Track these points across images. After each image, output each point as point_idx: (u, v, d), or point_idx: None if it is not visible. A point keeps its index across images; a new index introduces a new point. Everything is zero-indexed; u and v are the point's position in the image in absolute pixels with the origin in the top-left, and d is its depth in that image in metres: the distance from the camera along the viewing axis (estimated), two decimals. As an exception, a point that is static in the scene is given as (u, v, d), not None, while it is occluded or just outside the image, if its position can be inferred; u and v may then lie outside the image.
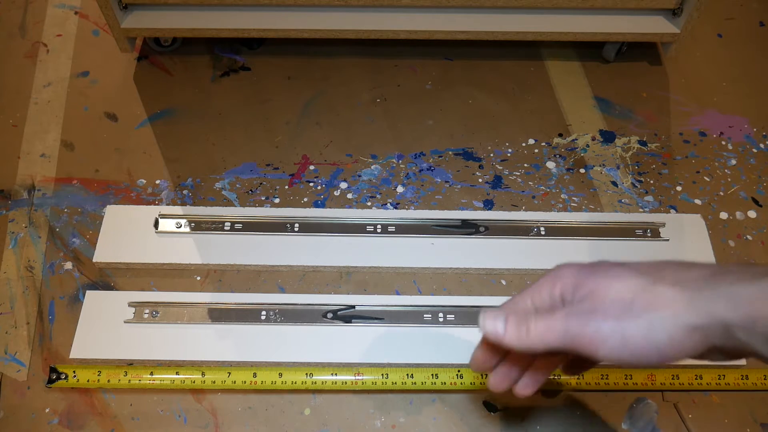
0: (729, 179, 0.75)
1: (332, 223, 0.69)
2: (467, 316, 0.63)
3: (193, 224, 0.68)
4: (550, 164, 0.76)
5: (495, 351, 0.42)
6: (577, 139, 0.79)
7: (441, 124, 0.80)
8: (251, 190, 0.73)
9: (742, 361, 0.61)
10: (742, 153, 0.78)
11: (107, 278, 0.67)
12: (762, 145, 0.78)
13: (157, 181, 0.74)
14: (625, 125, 0.80)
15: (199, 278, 0.67)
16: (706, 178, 0.75)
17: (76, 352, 0.61)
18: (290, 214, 0.70)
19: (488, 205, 0.73)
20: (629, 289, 0.34)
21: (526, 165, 0.76)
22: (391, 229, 0.69)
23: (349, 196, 0.73)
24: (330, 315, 0.63)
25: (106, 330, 0.62)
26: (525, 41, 0.85)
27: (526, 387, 0.43)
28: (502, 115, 0.81)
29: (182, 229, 0.68)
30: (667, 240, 0.68)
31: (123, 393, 0.60)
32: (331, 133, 0.79)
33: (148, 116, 0.80)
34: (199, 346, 0.61)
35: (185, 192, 0.73)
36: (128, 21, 0.77)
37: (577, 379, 0.60)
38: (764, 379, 0.60)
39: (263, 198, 0.73)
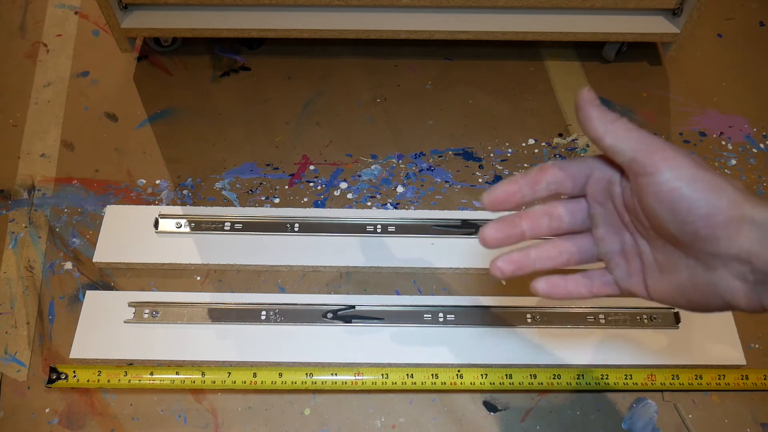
0: (729, 179, 0.75)
1: (332, 223, 0.69)
2: (467, 316, 0.63)
3: (193, 224, 0.68)
4: (550, 164, 0.76)
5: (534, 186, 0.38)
6: (577, 139, 0.79)
7: (441, 124, 0.80)
8: (251, 190, 0.73)
9: (743, 361, 0.61)
10: (742, 153, 0.78)
11: (107, 278, 0.67)
12: (762, 145, 0.78)
13: (157, 181, 0.74)
14: (625, 125, 0.80)
15: (199, 278, 0.67)
16: (706, 178, 0.75)
17: (76, 352, 0.61)
18: (290, 214, 0.70)
19: (488, 205, 0.73)
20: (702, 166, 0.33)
21: (526, 165, 0.76)
22: (391, 229, 0.69)
23: (349, 196, 0.73)
24: (330, 315, 0.63)
25: (106, 330, 0.62)
26: (525, 41, 0.85)
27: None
28: (502, 115, 0.81)
29: (182, 229, 0.68)
30: (667, 240, 0.68)
31: (123, 393, 0.60)
32: (331, 133, 0.79)
33: (148, 116, 0.80)
34: (199, 346, 0.61)
35: (185, 192, 0.73)
36: (128, 21, 0.77)
37: (577, 379, 0.60)
38: (764, 379, 0.60)
39: (263, 198, 0.73)
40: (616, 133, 0.35)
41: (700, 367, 0.61)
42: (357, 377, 0.60)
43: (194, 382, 0.59)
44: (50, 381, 0.59)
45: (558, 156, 0.77)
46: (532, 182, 0.38)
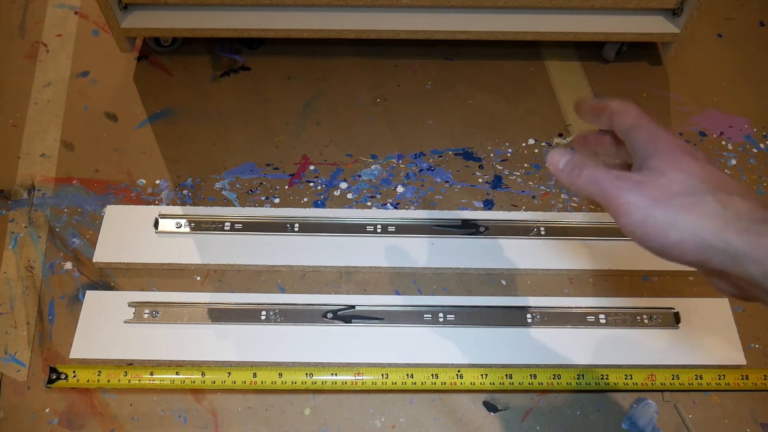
0: (729, 179, 0.75)
1: (332, 223, 0.69)
2: (467, 316, 0.63)
3: (193, 224, 0.68)
4: (550, 164, 0.76)
5: (596, 115, 0.45)
6: (577, 139, 0.78)
7: (441, 124, 0.80)
8: (251, 190, 0.73)
9: (743, 361, 0.61)
10: (742, 153, 0.78)
11: (107, 278, 0.67)
12: (762, 145, 0.78)
13: (157, 181, 0.74)
14: (625, 125, 0.80)
15: (199, 278, 0.67)
16: (706, 178, 0.75)
17: (76, 352, 0.61)
18: (290, 214, 0.70)
19: (488, 205, 0.73)
20: (682, 185, 0.37)
21: (526, 165, 0.76)
22: (391, 229, 0.69)
23: (349, 196, 0.73)
24: (330, 315, 0.63)
25: (106, 330, 0.62)
26: (525, 41, 0.85)
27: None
28: (502, 115, 0.81)
29: (182, 229, 0.68)
30: (667, 240, 0.68)
31: (123, 393, 0.60)
32: (331, 133, 0.79)
33: (148, 116, 0.80)
34: (199, 346, 0.61)
35: (185, 192, 0.73)
36: (128, 21, 0.77)
37: (577, 379, 0.60)
38: (764, 379, 0.60)
39: (263, 198, 0.73)
40: (581, 186, 0.40)
41: (700, 367, 0.61)
42: (357, 377, 0.60)
43: (194, 382, 0.59)
44: (50, 381, 0.59)
45: (558, 156, 0.77)
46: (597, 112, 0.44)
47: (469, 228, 0.69)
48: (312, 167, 0.76)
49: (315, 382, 0.59)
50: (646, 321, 0.63)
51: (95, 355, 0.61)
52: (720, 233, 0.35)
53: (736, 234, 0.34)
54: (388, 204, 0.73)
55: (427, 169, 0.76)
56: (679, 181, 0.37)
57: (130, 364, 0.61)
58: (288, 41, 0.87)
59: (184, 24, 0.78)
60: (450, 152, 0.77)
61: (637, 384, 0.60)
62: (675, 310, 0.63)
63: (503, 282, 0.67)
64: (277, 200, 0.73)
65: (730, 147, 0.78)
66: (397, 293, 0.66)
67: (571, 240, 0.68)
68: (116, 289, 0.66)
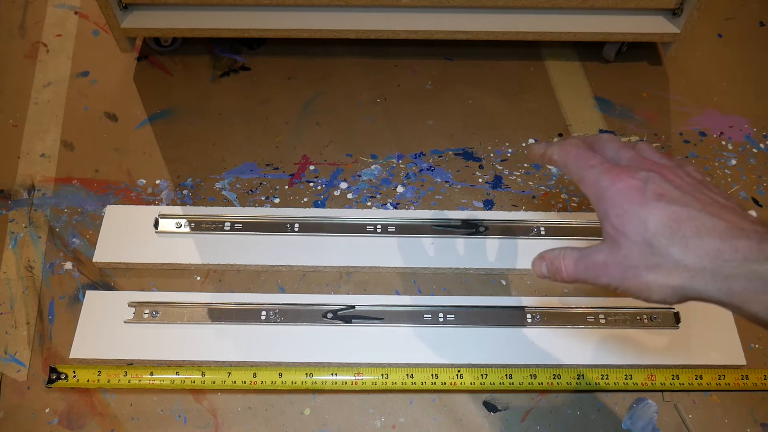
0: (729, 179, 0.75)
1: (332, 223, 0.69)
2: (467, 316, 0.63)
3: (193, 224, 0.68)
4: (550, 164, 0.76)
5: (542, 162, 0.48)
6: (577, 139, 0.78)
7: (441, 124, 0.80)
8: (251, 190, 0.73)
9: (743, 361, 0.61)
10: (742, 153, 0.78)
11: (107, 278, 0.67)
12: (762, 145, 0.78)
13: (157, 181, 0.74)
14: (625, 125, 0.80)
15: (199, 278, 0.67)
16: (706, 178, 0.75)
17: (76, 352, 0.61)
18: (290, 214, 0.70)
19: (488, 205, 0.73)
20: (643, 251, 0.39)
21: (526, 165, 0.76)
22: (391, 229, 0.69)
23: (349, 196, 0.73)
24: (330, 315, 0.63)
25: (106, 330, 0.62)
26: (525, 41, 0.85)
27: None
28: (502, 115, 0.81)
29: (182, 229, 0.68)
30: (667, 240, 0.68)
31: (123, 393, 0.60)
32: (331, 133, 0.79)
33: (148, 116, 0.80)
34: (199, 346, 0.61)
35: (185, 192, 0.73)
36: (128, 21, 0.77)
37: (577, 379, 0.60)
38: (764, 379, 0.60)
39: (263, 198, 0.73)
40: (566, 277, 0.44)
41: (700, 367, 0.61)
42: (357, 377, 0.60)
43: (194, 382, 0.59)
44: (50, 381, 0.59)
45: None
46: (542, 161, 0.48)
47: (469, 228, 0.69)
48: (312, 167, 0.76)
49: (315, 382, 0.59)
50: (646, 321, 0.63)
51: (95, 355, 0.61)
52: (690, 284, 0.38)
53: (704, 283, 0.37)
54: (388, 204, 0.73)
55: (427, 169, 0.76)
56: (635, 247, 0.39)
57: (130, 364, 0.61)
58: (288, 41, 0.87)
59: (184, 24, 0.78)
60: (450, 152, 0.77)
61: (637, 384, 0.60)
62: (675, 310, 0.63)
63: (503, 282, 0.67)
64: (277, 200, 0.73)
65: (730, 147, 0.78)
66: (397, 293, 0.66)
67: (571, 240, 0.68)
68: (116, 289, 0.66)
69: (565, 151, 0.44)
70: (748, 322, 0.62)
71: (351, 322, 0.63)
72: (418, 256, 0.67)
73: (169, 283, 0.66)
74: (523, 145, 0.78)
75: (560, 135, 0.79)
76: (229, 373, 0.60)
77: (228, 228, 0.68)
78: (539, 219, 0.69)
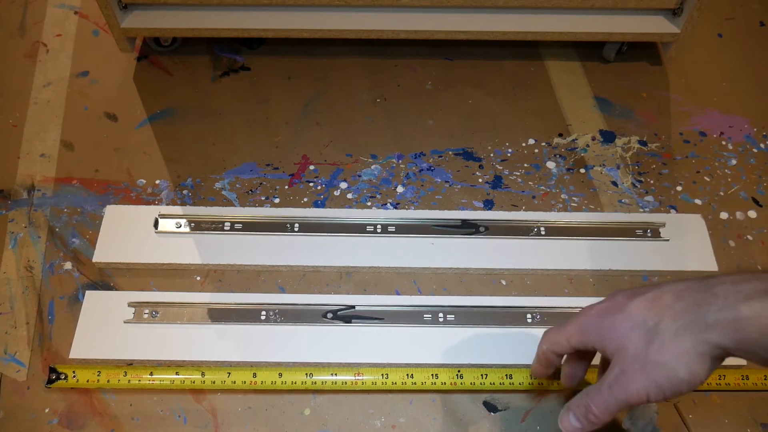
0: (729, 179, 0.75)
1: (332, 223, 0.69)
2: (467, 316, 0.63)
3: (193, 224, 0.68)
4: (550, 164, 0.76)
5: (549, 365, 0.51)
6: (577, 139, 0.79)
7: (441, 124, 0.80)
8: (251, 190, 0.73)
9: (743, 361, 0.61)
10: (742, 153, 0.78)
11: (107, 278, 0.67)
12: (762, 145, 0.78)
13: (157, 181, 0.74)
14: (625, 125, 0.80)
15: (199, 278, 0.67)
16: (706, 178, 0.75)
17: (75, 352, 0.61)
18: (290, 214, 0.70)
19: (488, 205, 0.73)
20: (642, 339, 0.41)
21: (526, 165, 0.76)
22: (391, 229, 0.69)
23: (349, 196, 0.73)
24: (330, 315, 0.63)
25: (105, 330, 0.62)
26: (525, 41, 0.85)
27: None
28: (502, 115, 0.81)
29: (182, 229, 0.68)
30: (668, 240, 0.68)
31: (123, 393, 0.60)
32: (331, 133, 0.79)
33: (148, 116, 0.80)
34: (199, 346, 0.61)
35: (185, 192, 0.73)
36: (128, 21, 0.77)
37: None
38: (764, 379, 0.60)
39: (263, 198, 0.73)
40: (604, 418, 0.45)
41: (700, 367, 0.61)
42: (357, 377, 0.60)
43: (194, 382, 0.59)
44: (50, 381, 0.59)
45: (558, 156, 0.77)
46: (548, 363, 0.51)
47: (469, 228, 0.69)
48: (312, 167, 0.76)
49: (315, 382, 0.59)
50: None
51: (95, 355, 0.61)
52: (702, 340, 0.39)
53: (708, 332, 0.39)
54: (388, 204, 0.73)
55: (427, 169, 0.76)
56: (637, 341, 0.42)
57: (130, 364, 0.61)
58: (288, 41, 0.87)
59: (184, 24, 0.78)
60: (450, 152, 0.77)
61: (637, 384, 0.60)
62: (675, 310, 0.63)
63: (503, 282, 0.67)
64: (277, 200, 0.73)
65: (730, 147, 0.78)
66: (397, 293, 0.66)
67: (571, 240, 0.68)
68: (116, 289, 0.66)
69: (543, 340, 0.50)
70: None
71: (351, 322, 0.63)
72: (418, 256, 0.67)
73: (169, 283, 0.66)
74: (523, 145, 0.78)
75: (560, 135, 0.79)
76: (229, 373, 0.60)
77: (228, 228, 0.68)
78: (539, 219, 0.69)
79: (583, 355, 0.52)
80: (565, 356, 0.51)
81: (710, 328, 0.39)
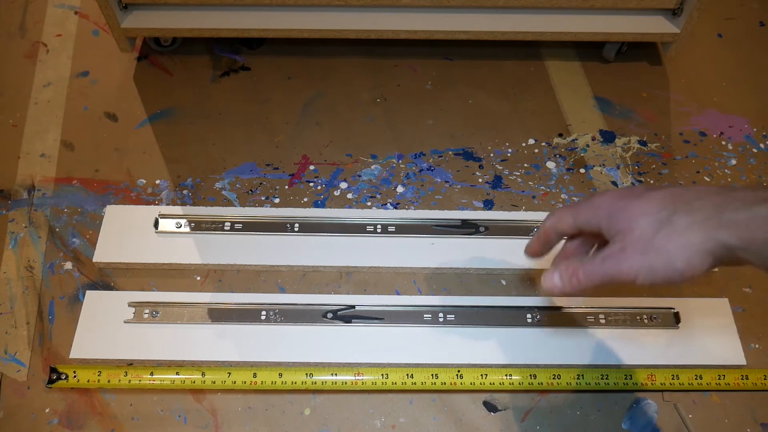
0: (729, 179, 0.75)
1: (332, 223, 0.69)
2: (467, 316, 0.63)
3: (193, 224, 0.68)
4: (550, 164, 0.76)
5: (547, 243, 0.51)
6: (577, 139, 0.79)
7: (441, 124, 0.80)
8: (251, 190, 0.73)
9: (743, 361, 0.61)
10: (742, 153, 0.78)
11: (107, 278, 0.67)
12: (762, 145, 0.78)
13: (157, 181, 0.74)
14: (625, 125, 0.80)
15: (199, 278, 0.67)
16: (706, 178, 0.75)
17: (76, 352, 0.61)
18: (290, 214, 0.70)
19: (488, 205, 0.73)
20: (651, 226, 0.41)
21: (526, 165, 0.76)
22: (391, 229, 0.69)
23: (349, 196, 0.73)
24: (330, 315, 0.63)
25: (106, 330, 0.62)
26: (525, 41, 0.85)
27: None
28: (502, 115, 0.81)
29: (182, 229, 0.68)
30: (667, 240, 0.68)
31: (123, 393, 0.60)
32: (331, 133, 0.79)
33: (148, 116, 0.80)
34: (199, 346, 0.61)
35: (185, 192, 0.73)
36: (128, 21, 0.77)
37: (577, 379, 0.60)
38: (764, 379, 0.60)
39: (263, 198, 0.73)
40: (586, 284, 0.45)
41: (700, 367, 0.61)
42: (357, 377, 0.60)
43: (194, 382, 0.59)
44: (50, 381, 0.59)
45: (558, 156, 0.77)
46: (547, 240, 0.51)
47: (469, 228, 0.69)
48: (312, 167, 0.76)
49: (315, 382, 0.59)
50: (646, 321, 0.63)
51: (95, 355, 0.61)
52: (708, 237, 0.39)
53: (717, 232, 0.39)
54: (388, 204, 0.73)
55: (427, 169, 0.76)
56: (646, 226, 0.42)
57: (130, 364, 0.61)
58: (288, 41, 0.87)
59: (184, 24, 0.78)
60: (450, 152, 0.77)
61: (637, 384, 0.60)
62: (675, 310, 0.63)
63: (503, 282, 0.67)
64: (277, 200, 0.73)
65: (730, 147, 0.78)
66: (397, 293, 0.66)
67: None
68: (116, 289, 0.66)
69: (551, 216, 0.49)
70: (749, 322, 0.62)
71: (351, 322, 0.63)
72: (418, 256, 0.67)
73: (169, 283, 0.66)
74: (523, 145, 0.78)
75: (560, 135, 0.79)
76: (229, 373, 0.60)
77: (228, 228, 0.68)
78: (539, 219, 0.69)
79: (582, 243, 0.51)
80: (564, 240, 0.51)
81: (722, 226, 0.39)
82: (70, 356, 0.60)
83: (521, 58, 0.86)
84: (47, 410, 0.59)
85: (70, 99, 0.81)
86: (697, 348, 0.62)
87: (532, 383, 0.60)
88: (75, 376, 0.59)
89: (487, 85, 0.84)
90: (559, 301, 0.64)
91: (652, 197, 0.42)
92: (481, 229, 0.69)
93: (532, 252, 0.53)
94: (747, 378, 0.60)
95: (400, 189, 0.74)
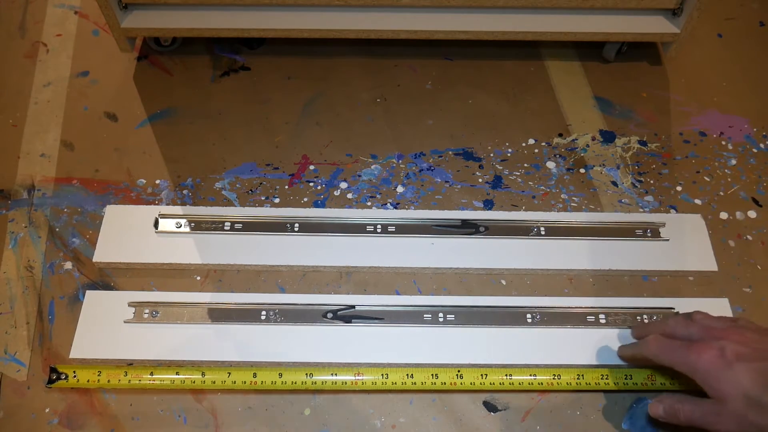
0: (729, 179, 0.75)
1: (332, 223, 0.69)
2: (467, 316, 0.63)
3: (193, 224, 0.68)
4: (550, 164, 0.76)
5: (639, 363, 0.59)
6: (577, 139, 0.79)
7: (441, 124, 0.80)
8: (251, 190, 0.73)
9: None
10: (742, 153, 0.78)
11: (107, 278, 0.67)
12: (762, 145, 0.78)
13: (157, 181, 0.74)
14: (625, 125, 0.80)
15: (199, 278, 0.67)
16: (706, 178, 0.75)
17: (76, 352, 0.61)
18: (290, 214, 0.70)
19: (488, 205, 0.73)
20: (743, 403, 0.47)
21: (526, 165, 0.76)
22: (391, 229, 0.69)
23: (349, 196, 0.73)
24: (330, 315, 0.63)
25: (105, 330, 0.62)
26: (525, 41, 0.85)
27: None
28: (502, 115, 0.81)
29: (182, 229, 0.68)
30: (667, 240, 0.68)
31: (123, 393, 0.60)
32: (331, 133, 0.79)
33: (148, 116, 0.80)
34: (199, 346, 0.61)
35: (185, 192, 0.73)
36: (128, 21, 0.77)
37: (577, 379, 0.60)
38: (764, 379, 0.60)
39: (263, 198, 0.73)
40: (683, 421, 0.52)
41: (700, 367, 0.61)
42: (357, 377, 0.60)
43: (194, 382, 0.59)
44: (50, 381, 0.59)
45: (558, 156, 0.77)
46: (640, 361, 0.59)
47: (469, 228, 0.69)
48: (312, 167, 0.76)
49: (315, 382, 0.59)
50: (646, 321, 0.63)
51: (95, 355, 0.61)
52: None
53: None
54: (388, 204, 0.73)
55: (427, 169, 0.76)
56: (737, 401, 0.48)
57: (130, 364, 0.61)
58: (288, 41, 0.87)
59: (184, 24, 0.78)
60: (450, 152, 0.77)
61: (637, 384, 0.60)
62: (675, 310, 0.63)
63: (503, 282, 0.67)
64: (277, 200, 0.73)
65: (730, 147, 0.78)
66: (397, 293, 0.66)
67: (571, 240, 0.68)
68: (116, 289, 0.66)
69: (650, 348, 0.54)
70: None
71: (351, 322, 0.63)
72: (418, 256, 0.67)
73: (169, 283, 0.66)
74: (523, 145, 0.78)
75: (560, 135, 0.79)
76: (229, 373, 0.60)
77: (228, 228, 0.68)
78: (539, 219, 0.69)
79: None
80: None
81: None
82: (70, 356, 0.60)
83: (521, 58, 0.86)
84: (47, 410, 0.59)
85: (70, 99, 0.81)
86: (697, 348, 0.62)
87: (532, 383, 0.60)
88: (75, 376, 0.59)
89: (487, 85, 0.84)
90: (559, 301, 0.64)
91: (739, 373, 0.48)
92: (481, 229, 0.69)
93: (622, 357, 0.60)
94: (747, 378, 0.60)
95: (400, 189, 0.74)
